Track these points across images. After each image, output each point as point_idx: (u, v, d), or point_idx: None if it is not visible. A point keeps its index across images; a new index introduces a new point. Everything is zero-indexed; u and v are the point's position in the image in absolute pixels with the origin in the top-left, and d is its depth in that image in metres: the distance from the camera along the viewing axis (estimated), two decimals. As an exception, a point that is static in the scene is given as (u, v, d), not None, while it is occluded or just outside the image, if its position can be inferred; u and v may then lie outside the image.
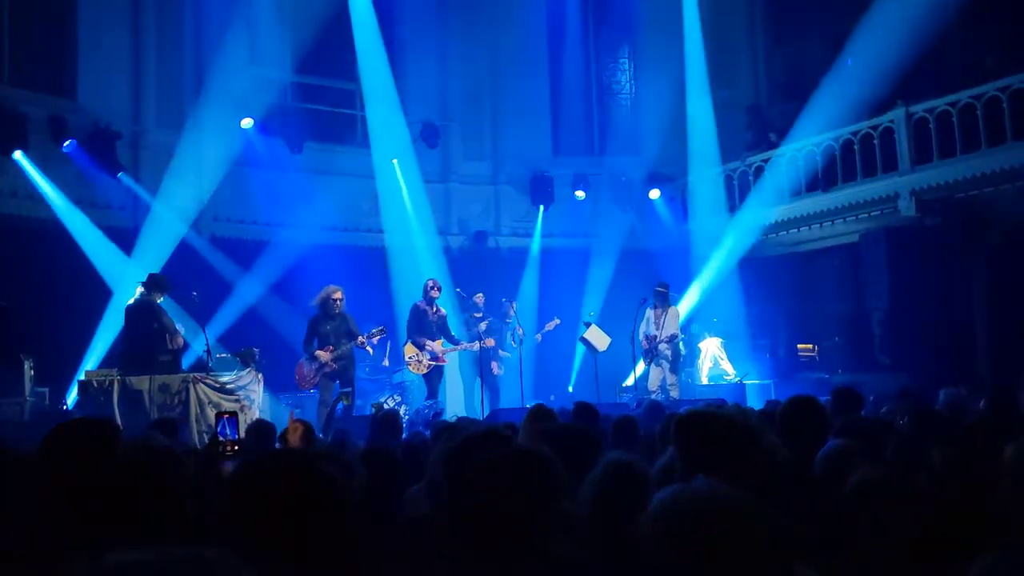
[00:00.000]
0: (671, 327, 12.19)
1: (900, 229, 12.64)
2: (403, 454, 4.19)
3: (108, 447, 2.66)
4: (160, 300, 9.74)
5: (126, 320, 9.71)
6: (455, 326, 11.94)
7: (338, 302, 10.38)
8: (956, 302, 12.06)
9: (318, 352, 10.22)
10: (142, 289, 9.75)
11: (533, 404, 5.01)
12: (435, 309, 11.49)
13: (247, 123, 13.01)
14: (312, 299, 10.53)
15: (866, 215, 13.20)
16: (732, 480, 2.17)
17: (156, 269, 10.45)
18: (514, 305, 12.51)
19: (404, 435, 6.30)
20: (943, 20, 13.39)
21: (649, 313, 12.41)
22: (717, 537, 1.58)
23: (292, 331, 11.84)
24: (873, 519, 2.30)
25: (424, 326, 11.34)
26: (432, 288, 11.48)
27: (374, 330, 10.55)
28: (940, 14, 13.28)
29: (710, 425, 2.39)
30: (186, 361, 10.13)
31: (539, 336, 12.85)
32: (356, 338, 10.35)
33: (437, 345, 11.32)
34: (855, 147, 13.14)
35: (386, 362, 12.56)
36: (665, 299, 12.40)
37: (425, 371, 11.28)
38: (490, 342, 11.73)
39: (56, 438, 2.75)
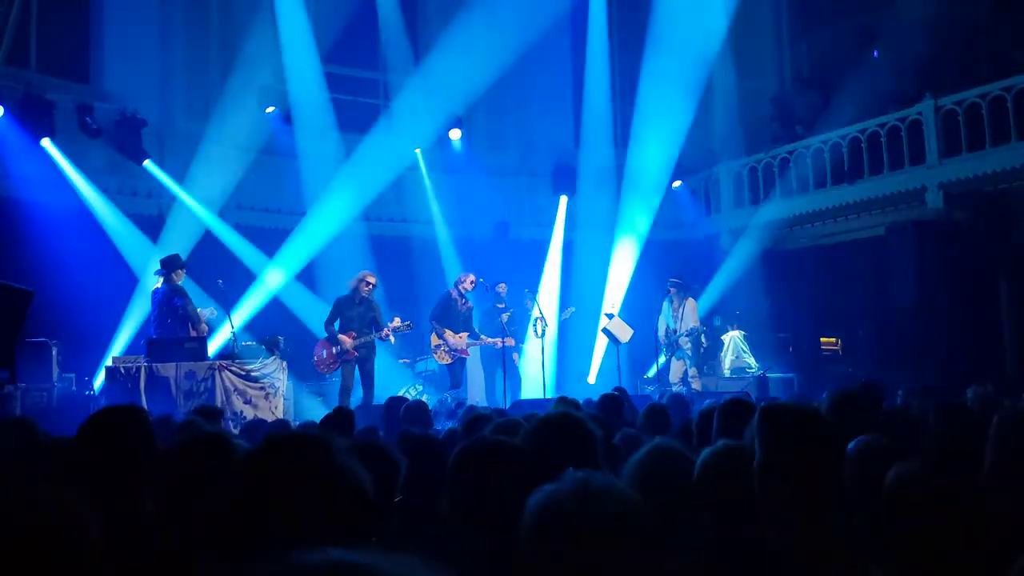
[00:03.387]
0: (690, 319, 12.15)
1: (927, 223, 12.51)
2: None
3: (145, 436, 2.69)
4: (180, 281, 9.83)
5: (152, 306, 9.83)
6: (478, 316, 11.96)
7: (367, 287, 10.44)
8: (983, 297, 11.94)
9: (341, 337, 10.28)
10: (160, 274, 9.87)
11: (557, 396, 5.02)
12: (464, 301, 11.52)
13: (272, 111, 13.07)
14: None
15: (892, 208, 13.09)
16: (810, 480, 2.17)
17: (182, 256, 10.51)
18: (536, 296, 12.49)
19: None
20: (972, 11, 13.25)
21: (666, 306, 12.37)
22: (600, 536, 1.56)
23: (316, 319, 11.90)
24: (912, 517, 2.27)
25: (451, 316, 11.37)
26: (466, 281, 11.51)
27: (401, 324, 10.56)
28: (969, 4, 13.13)
29: (801, 420, 2.34)
30: (211, 348, 10.20)
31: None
32: (380, 328, 10.38)
33: (461, 339, 11.34)
34: (882, 139, 13.02)
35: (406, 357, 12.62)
36: (682, 291, 12.35)
37: (450, 361, 11.31)
38: (511, 341, 11.74)
39: (92, 426, 2.77)
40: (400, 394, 10.82)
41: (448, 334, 11.27)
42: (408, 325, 10.65)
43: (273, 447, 1.86)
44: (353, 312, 10.36)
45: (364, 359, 10.40)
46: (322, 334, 10.74)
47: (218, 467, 2.15)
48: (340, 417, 4.44)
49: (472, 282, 11.61)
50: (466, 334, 11.43)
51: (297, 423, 7.14)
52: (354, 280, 10.56)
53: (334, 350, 10.41)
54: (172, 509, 2.16)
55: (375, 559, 0.78)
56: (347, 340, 10.24)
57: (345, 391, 10.34)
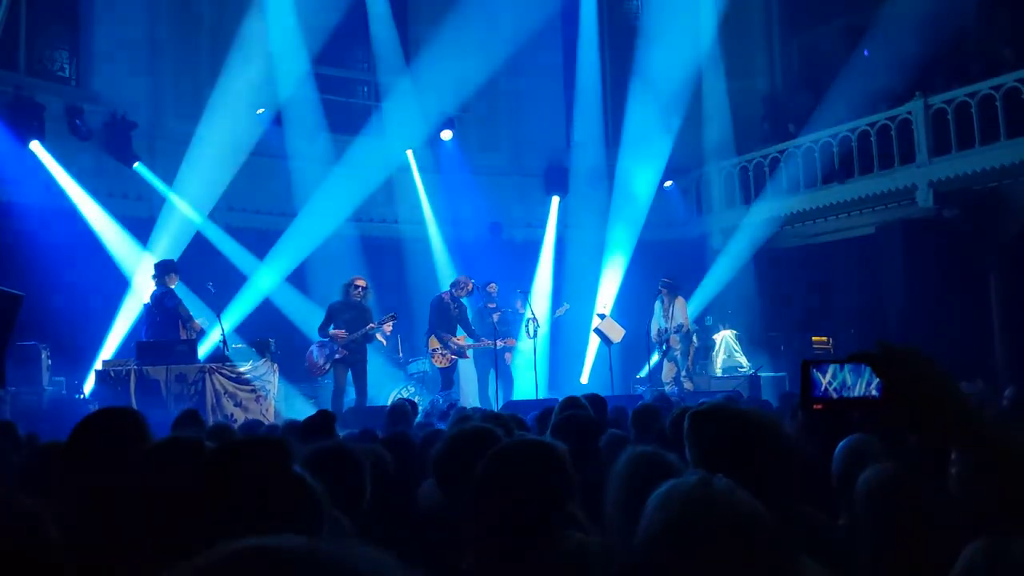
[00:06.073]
0: (679, 316, 12.15)
1: (917, 221, 12.54)
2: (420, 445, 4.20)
3: (137, 438, 2.68)
4: (173, 285, 9.82)
5: (144, 309, 9.82)
6: (469, 317, 11.94)
7: (359, 290, 10.49)
8: (973, 295, 11.97)
9: (333, 331, 10.32)
10: (154, 278, 9.85)
11: (566, 396, 5.01)
12: (456, 304, 11.51)
13: (262, 113, 13.04)
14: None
15: (883, 207, 13.12)
16: (747, 479, 2.16)
17: (172, 259, 10.50)
18: (528, 297, 12.49)
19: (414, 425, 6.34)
20: (961, 10, 13.28)
21: (657, 306, 12.38)
22: (723, 539, 1.52)
23: (307, 321, 11.89)
24: (881, 518, 2.26)
25: (446, 320, 11.37)
26: (465, 288, 11.49)
27: (384, 317, 10.64)
28: (958, 4, 13.17)
29: (727, 421, 2.33)
30: (202, 350, 10.18)
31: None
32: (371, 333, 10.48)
33: (461, 341, 11.35)
34: (872, 138, 13.06)
35: (400, 354, 12.59)
36: (672, 290, 12.36)
37: (447, 365, 11.32)
38: (512, 342, 11.76)
39: (85, 428, 2.77)
40: (395, 395, 10.91)
41: (453, 340, 11.29)
42: (392, 317, 10.73)
43: (223, 453, 1.86)
44: (346, 316, 10.41)
45: (356, 362, 10.43)
46: (313, 337, 10.75)
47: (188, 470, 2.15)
48: (323, 420, 4.46)
49: (470, 289, 11.60)
50: (464, 337, 11.45)
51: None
52: (345, 285, 10.61)
53: (325, 352, 10.44)
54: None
55: (330, 547, 0.76)
56: (340, 334, 10.29)
57: (338, 393, 10.38)
